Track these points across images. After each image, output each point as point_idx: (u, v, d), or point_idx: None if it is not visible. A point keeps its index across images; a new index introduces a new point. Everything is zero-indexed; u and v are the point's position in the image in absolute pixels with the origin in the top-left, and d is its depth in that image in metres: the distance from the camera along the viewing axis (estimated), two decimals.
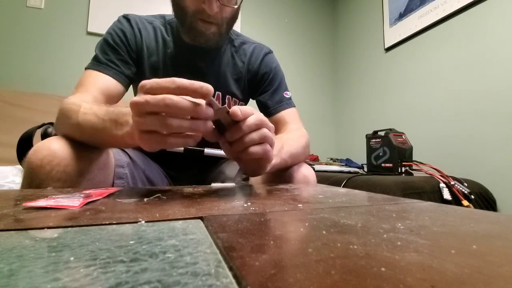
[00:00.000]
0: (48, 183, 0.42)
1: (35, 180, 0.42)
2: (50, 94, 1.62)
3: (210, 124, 0.35)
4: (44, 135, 0.61)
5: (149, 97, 0.32)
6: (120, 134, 0.41)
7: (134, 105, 0.33)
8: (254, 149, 0.40)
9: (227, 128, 0.39)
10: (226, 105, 0.70)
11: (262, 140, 0.40)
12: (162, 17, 0.72)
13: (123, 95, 0.64)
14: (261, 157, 0.41)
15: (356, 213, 0.25)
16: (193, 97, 0.33)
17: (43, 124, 0.63)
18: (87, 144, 0.47)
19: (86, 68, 0.61)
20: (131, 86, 0.74)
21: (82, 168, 0.46)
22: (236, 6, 0.61)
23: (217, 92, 0.71)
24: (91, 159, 0.48)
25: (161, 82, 0.33)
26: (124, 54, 0.63)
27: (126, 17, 0.67)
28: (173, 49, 0.68)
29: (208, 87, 0.33)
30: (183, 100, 0.32)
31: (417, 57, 1.75)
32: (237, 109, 0.37)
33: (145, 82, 0.33)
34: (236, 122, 0.38)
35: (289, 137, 0.62)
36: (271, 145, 0.42)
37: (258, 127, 0.39)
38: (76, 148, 0.46)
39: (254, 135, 0.39)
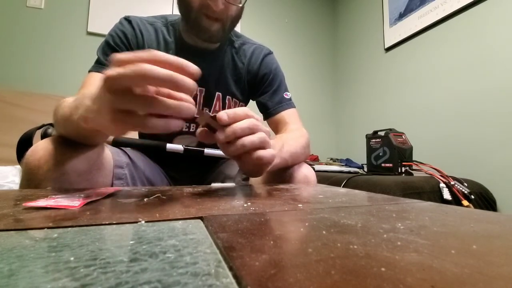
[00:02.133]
0: (46, 184, 0.42)
1: (34, 181, 0.42)
2: (50, 94, 1.62)
3: (193, 109, 0.31)
4: (44, 136, 0.61)
5: (121, 68, 0.27)
6: (76, 118, 0.36)
7: (105, 80, 0.28)
8: (261, 153, 0.38)
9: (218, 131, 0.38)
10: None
11: (263, 144, 0.39)
12: (164, 17, 0.72)
13: None
14: (266, 162, 0.40)
15: (356, 213, 0.25)
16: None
17: (43, 125, 0.63)
18: (74, 140, 0.46)
19: (89, 71, 0.62)
20: None
21: (79, 168, 0.46)
22: (240, 5, 0.61)
23: (217, 93, 0.71)
24: (88, 159, 0.48)
25: (139, 53, 0.28)
26: None
27: (127, 19, 0.67)
28: (174, 50, 0.68)
29: (195, 68, 0.29)
30: (162, 69, 0.27)
31: (417, 57, 1.75)
32: (223, 114, 0.36)
33: (117, 54, 0.28)
34: (227, 125, 0.37)
35: (290, 136, 0.62)
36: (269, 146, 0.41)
37: (252, 131, 0.38)
38: (73, 148, 0.46)
39: (254, 138, 0.38)
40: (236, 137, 0.37)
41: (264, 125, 0.41)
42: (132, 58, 0.27)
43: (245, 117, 0.38)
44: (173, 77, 0.27)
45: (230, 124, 0.37)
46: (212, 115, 0.36)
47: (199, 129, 0.39)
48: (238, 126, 0.37)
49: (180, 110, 0.30)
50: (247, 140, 0.37)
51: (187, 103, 0.30)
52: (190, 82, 0.29)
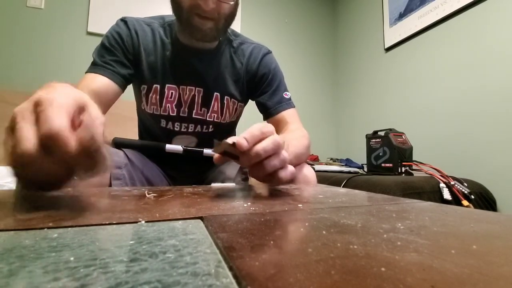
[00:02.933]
0: None
1: None
2: None
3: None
4: None
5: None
6: None
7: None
8: (282, 174, 0.38)
9: (238, 156, 0.37)
10: (208, 111, 0.69)
11: (282, 164, 0.38)
12: (161, 18, 0.72)
13: (119, 94, 0.65)
14: (285, 182, 0.40)
15: (356, 213, 0.25)
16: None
17: None
18: None
19: (85, 72, 0.62)
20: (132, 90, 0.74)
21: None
22: (232, 3, 0.60)
23: (215, 93, 0.71)
24: None
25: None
26: (119, 55, 0.64)
27: (123, 20, 0.67)
28: (171, 51, 0.68)
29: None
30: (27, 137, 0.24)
31: (417, 57, 1.75)
32: (242, 140, 0.34)
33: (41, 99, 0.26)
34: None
35: (292, 137, 0.62)
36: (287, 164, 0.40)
37: (275, 151, 0.37)
38: None
39: (276, 162, 0.37)
40: (259, 160, 0.36)
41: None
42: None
43: (262, 135, 0.37)
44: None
45: (250, 148, 0.36)
46: (231, 142, 0.34)
47: (216, 156, 0.39)
48: (262, 148, 0.36)
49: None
50: (269, 165, 0.37)
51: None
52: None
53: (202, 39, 0.64)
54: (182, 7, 0.59)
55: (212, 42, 0.68)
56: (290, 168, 0.39)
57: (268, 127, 0.38)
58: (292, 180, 0.41)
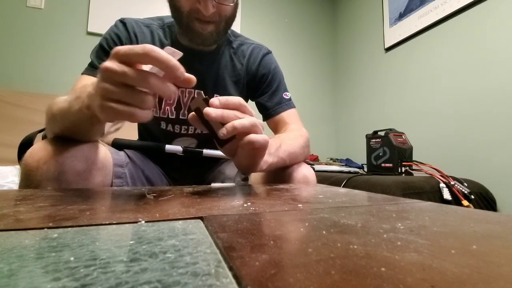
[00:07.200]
0: (46, 184, 0.42)
1: (33, 182, 0.42)
2: (50, 94, 1.62)
3: (175, 90, 0.35)
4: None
5: (128, 70, 0.31)
6: (78, 107, 0.40)
7: (106, 71, 0.31)
8: (253, 136, 0.39)
9: (211, 123, 0.39)
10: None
11: (254, 129, 0.39)
12: (161, 19, 0.71)
13: None
14: (259, 147, 0.41)
15: (356, 213, 0.25)
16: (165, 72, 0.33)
17: (44, 129, 0.63)
18: (66, 136, 0.47)
19: (82, 74, 0.62)
20: None
21: (79, 168, 0.46)
22: (232, 4, 0.60)
23: (215, 95, 0.71)
24: (87, 158, 0.48)
25: (136, 50, 0.31)
26: None
27: (122, 21, 0.67)
28: None
29: (183, 73, 0.33)
30: (168, 85, 0.33)
31: (417, 57, 1.75)
32: (215, 99, 0.38)
33: (119, 48, 0.32)
34: None
35: (288, 136, 0.62)
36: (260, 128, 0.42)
37: (236, 107, 0.39)
38: (72, 148, 0.46)
39: (245, 122, 0.38)
40: (224, 107, 0.38)
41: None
42: (129, 53, 0.31)
43: (238, 105, 0.39)
44: (170, 92, 0.34)
45: (220, 106, 0.38)
46: (205, 97, 0.37)
47: (190, 115, 0.41)
48: (230, 101, 0.39)
49: (164, 90, 0.33)
50: (238, 122, 0.38)
51: (172, 87, 0.34)
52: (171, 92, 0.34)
53: (202, 44, 0.64)
54: (181, 12, 0.58)
55: (212, 46, 0.68)
56: (264, 135, 0.41)
57: (248, 105, 0.41)
58: (262, 148, 0.42)
